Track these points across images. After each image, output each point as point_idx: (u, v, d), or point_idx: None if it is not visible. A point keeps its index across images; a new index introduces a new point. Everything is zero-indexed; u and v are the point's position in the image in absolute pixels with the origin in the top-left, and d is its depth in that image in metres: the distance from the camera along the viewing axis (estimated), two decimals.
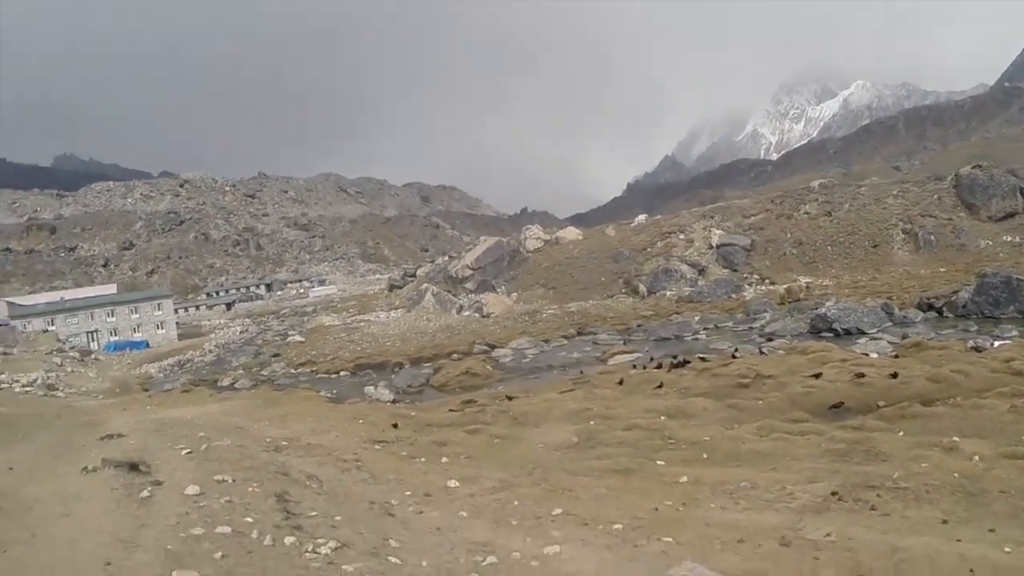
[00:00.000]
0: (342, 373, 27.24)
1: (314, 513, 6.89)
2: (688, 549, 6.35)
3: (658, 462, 10.17)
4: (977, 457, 9.19)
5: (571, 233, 63.34)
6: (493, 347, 30.14)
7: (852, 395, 13.99)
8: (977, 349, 17.16)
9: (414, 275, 60.47)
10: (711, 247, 53.73)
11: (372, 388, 22.46)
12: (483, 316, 44.47)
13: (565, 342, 30.76)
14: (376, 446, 12.49)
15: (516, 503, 7.83)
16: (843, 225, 47.70)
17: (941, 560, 6.06)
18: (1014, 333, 19.41)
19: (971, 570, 5.86)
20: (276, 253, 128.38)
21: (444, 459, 11.01)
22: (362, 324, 46.37)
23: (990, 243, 39.40)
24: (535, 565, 5.82)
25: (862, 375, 14.75)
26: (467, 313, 46.52)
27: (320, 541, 5.88)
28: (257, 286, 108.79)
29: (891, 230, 44.26)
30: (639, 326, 32.71)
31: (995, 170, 42.71)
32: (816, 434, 11.21)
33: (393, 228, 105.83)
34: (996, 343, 17.80)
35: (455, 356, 28.89)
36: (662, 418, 13.30)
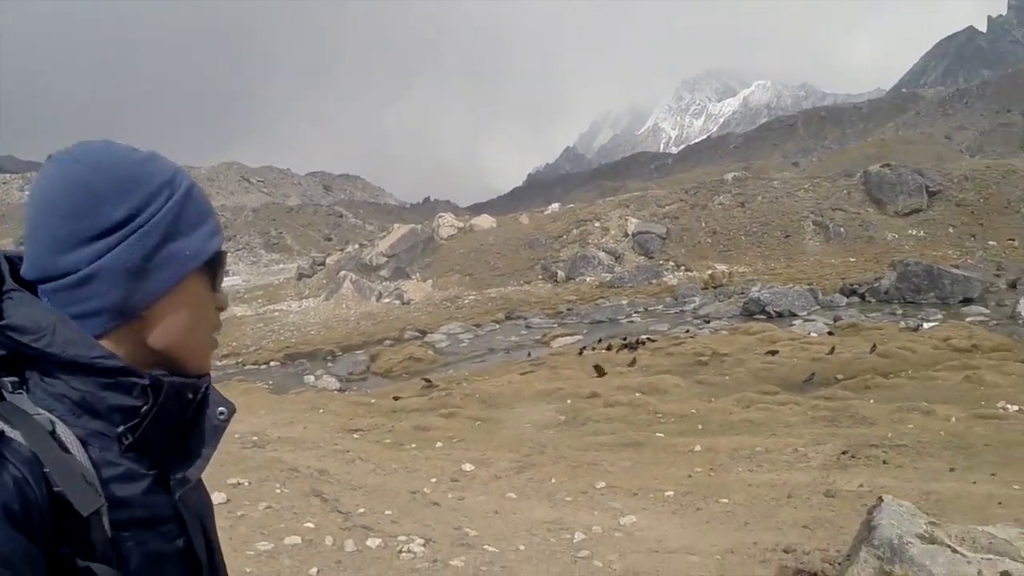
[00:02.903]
0: (272, 363, 26.46)
1: (363, 510, 6.73)
2: (747, 508, 6.64)
3: (657, 434, 10.45)
4: (954, 418, 10.02)
5: (485, 221, 63.39)
6: (424, 333, 29.93)
7: (811, 369, 14.77)
8: (912, 329, 18.38)
9: (323, 264, 59.20)
10: (627, 235, 54.91)
11: (312, 377, 21.91)
12: (404, 303, 44.06)
13: (497, 327, 30.89)
14: (354, 435, 12.23)
15: (553, 480, 7.89)
16: (756, 216, 49.74)
17: (970, 498, 6.70)
18: (939, 316, 20.87)
19: (999, 503, 6.49)
20: None
21: (438, 444, 10.91)
22: (277, 314, 45.07)
23: (896, 236, 42.11)
24: (619, 536, 5.92)
25: (832, 350, 15.61)
26: (387, 300, 45.96)
27: (402, 539, 5.75)
28: None
29: (802, 222, 46.56)
30: (569, 310, 33.20)
31: (903, 169, 45.64)
32: (795, 404, 11.80)
33: (296, 217, 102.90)
34: (926, 324, 19.07)
35: (387, 342, 28.52)
36: (637, 394, 13.62)
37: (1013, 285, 25.73)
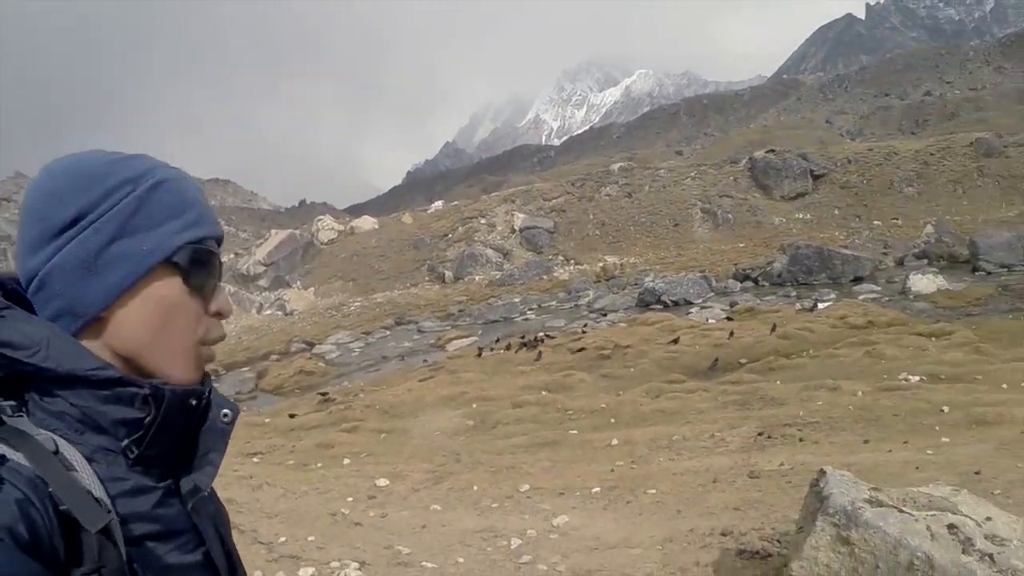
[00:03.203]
0: None
1: (284, 539, 6.50)
2: (676, 496, 6.82)
3: (571, 432, 10.60)
4: (860, 392, 10.69)
5: (366, 222, 62.68)
6: (312, 344, 29.30)
7: (714, 355, 15.35)
8: (808, 310, 19.40)
9: None
10: (514, 231, 55.46)
11: None
12: (287, 314, 42.99)
13: (387, 333, 30.59)
14: (254, 459, 11.77)
15: (475, 487, 7.85)
16: (644, 206, 51.24)
17: (888, 466, 7.20)
18: (833, 296, 22.15)
19: (916, 467, 7.01)
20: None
21: (346, 460, 10.66)
22: None
23: (784, 220, 44.36)
24: (556, 538, 5.95)
25: (731, 334, 16.27)
26: (269, 312, 44.69)
27: (335, 565, 5.58)
28: None
29: (690, 210, 48.28)
30: (461, 311, 33.24)
31: (787, 154, 48.04)
32: (704, 390, 12.25)
33: None
34: (821, 304, 20.18)
35: (273, 357, 27.76)
36: (543, 393, 13.79)
37: (900, 262, 27.67)
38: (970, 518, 3.69)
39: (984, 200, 41.01)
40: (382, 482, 8.80)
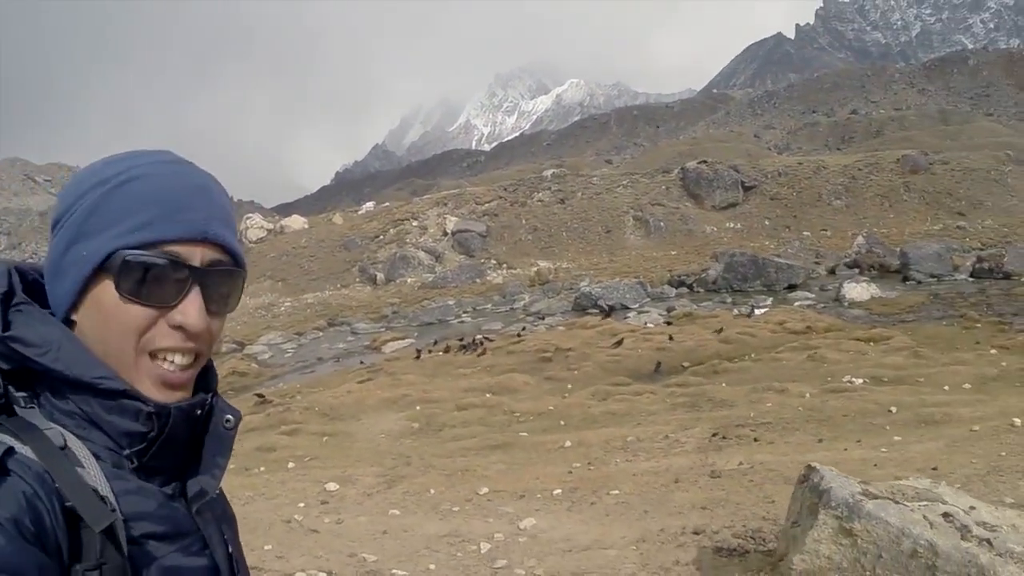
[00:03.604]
0: None
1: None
2: (640, 497, 6.75)
3: (521, 434, 10.45)
4: (808, 394, 10.85)
5: (296, 222, 61.57)
6: (243, 345, 28.45)
7: (657, 358, 15.41)
8: (746, 316, 19.71)
9: None
10: (446, 234, 55.20)
11: None
12: None
13: (320, 334, 29.95)
14: None
15: (432, 491, 7.62)
16: (577, 212, 51.60)
17: (847, 464, 7.26)
18: (768, 302, 22.54)
19: (875, 465, 7.11)
20: None
21: (290, 464, 10.29)
22: None
23: (715, 229, 45.25)
24: (525, 541, 5.79)
25: (671, 338, 16.41)
26: None
27: (301, 575, 5.34)
28: None
29: (623, 217, 48.83)
30: (394, 313, 32.84)
31: (719, 165, 49.05)
32: (651, 393, 12.26)
33: None
34: (758, 311, 20.52)
35: None
36: (488, 395, 13.59)
37: (832, 271, 28.45)
38: (958, 507, 3.70)
39: (910, 214, 42.64)
40: (332, 487, 8.49)
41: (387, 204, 70.09)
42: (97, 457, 0.94)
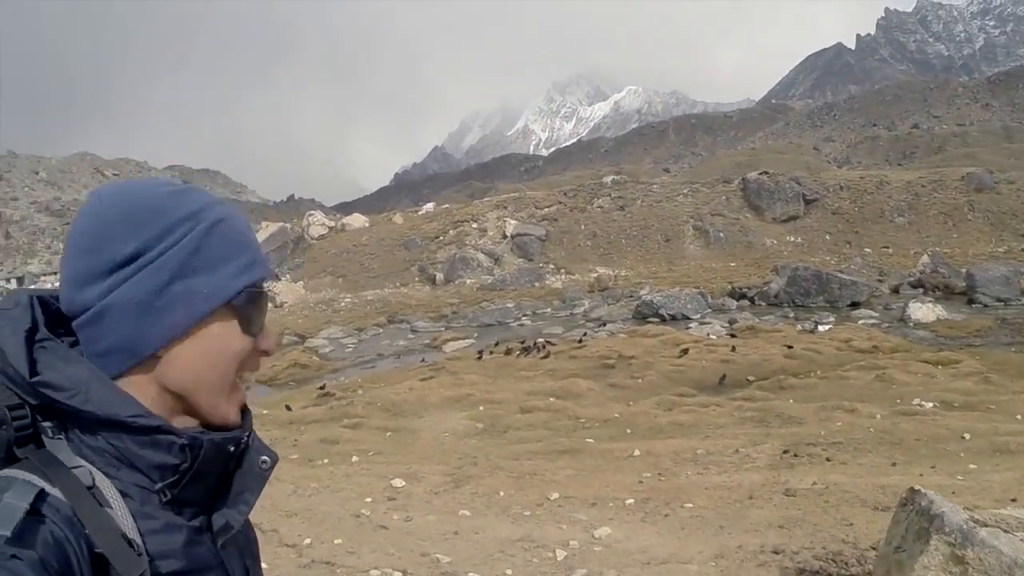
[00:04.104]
0: None
1: (309, 540, 6.25)
2: (715, 512, 6.62)
3: (588, 440, 10.37)
4: (878, 416, 10.55)
5: (357, 220, 62.31)
6: (304, 337, 28.92)
7: (721, 371, 15.19)
8: (809, 332, 19.32)
9: None
10: (505, 236, 55.28)
11: None
12: (276, 305, 42.50)
13: (380, 330, 30.28)
14: None
15: (501, 493, 7.60)
16: (636, 220, 51.21)
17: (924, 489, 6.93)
18: (831, 319, 22.05)
19: (952, 492, 6.86)
20: (27, 242, 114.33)
21: (354, 458, 10.38)
22: None
23: (775, 242, 44.45)
24: (601, 550, 5.71)
25: (733, 349, 16.16)
26: None
27: (375, 574, 5.34)
28: (7, 280, 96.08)
29: (682, 226, 48.29)
30: (454, 313, 32.99)
31: (780, 177, 48.20)
32: (717, 405, 12.07)
33: None
34: (821, 327, 20.10)
35: None
36: (551, 399, 13.56)
37: (896, 290, 27.69)
38: None
39: (974, 234, 41.30)
40: (398, 483, 8.53)
41: (447, 206, 70.53)
42: (125, 495, 0.96)
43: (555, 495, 7.31)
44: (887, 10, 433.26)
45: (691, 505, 6.81)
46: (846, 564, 5.25)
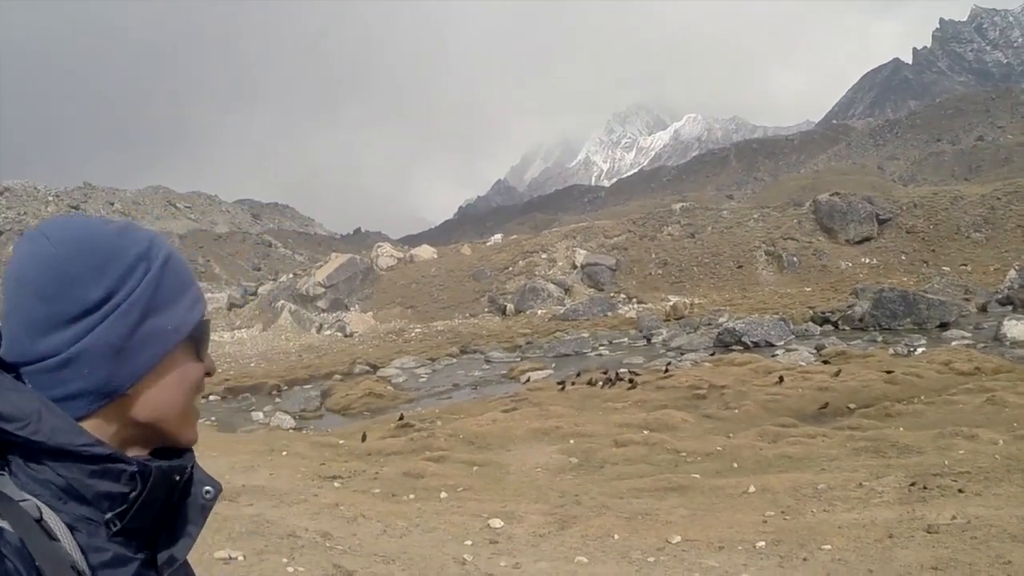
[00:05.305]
0: (211, 397, 24.97)
1: None
2: (857, 553, 6.01)
3: (693, 475, 9.77)
4: (1001, 442, 9.73)
5: (426, 251, 62.69)
6: (376, 367, 28.85)
7: (820, 399, 14.38)
8: (904, 355, 18.31)
9: (255, 294, 57.43)
10: (575, 266, 54.82)
11: (261, 414, 20.64)
12: (346, 335, 42.81)
13: (454, 360, 30.05)
14: (335, 483, 11.13)
15: (616, 536, 7.07)
16: (707, 246, 50.25)
17: None
18: (923, 342, 20.92)
19: None
20: None
21: (442, 494, 9.97)
22: (211, 345, 43.43)
23: (850, 265, 43.00)
24: None
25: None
26: (328, 332, 44.61)
27: None
28: None
29: (754, 252, 47.15)
30: (528, 343, 32.56)
31: (852, 197, 46.77)
32: (824, 436, 11.32)
33: (224, 245, 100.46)
34: (916, 350, 19.04)
35: (336, 377, 27.34)
36: (645, 432, 12.96)
37: (984, 308, 26.29)
38: None
39: None
40: (496, 523, 8.06)
41: (515, 236, 70.51)
42: (72, 528, 0.95)
43: (677, 538, 6.76)
44: (942, 21, 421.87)
45: (829, 547, 6.19)
46: None
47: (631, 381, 17.95)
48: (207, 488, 1.12)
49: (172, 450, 1.10)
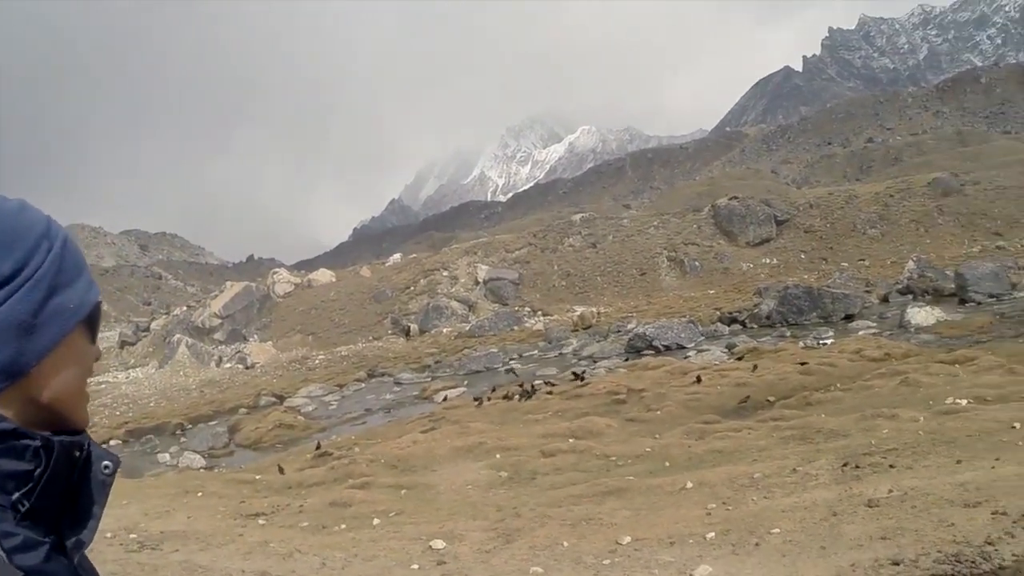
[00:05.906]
0: (111, 441, 23.79)
1: None
2: (807, 534, 6.17)
3: (628, 477, 9.86)
4: (921, 418, 10.25)
5: (324, 275, 61.59)
6: (283, 398, 28.14)
7: (740, 394, 14.82)
8: (814, 347, 19.10)
9: (147, 329, 55.14)
10: (477, 282, 54.91)
11: (167, 455, 19.78)
12: (248, 367, 41.56)
13: (362, 385, 29.63)
14: (259, 521, 10.68)
15: (565, 544, 7.03)
16: (609, 255, 51.21)
17: (1002, 482, 6.70)
18: (831, 333, 21.90)
19: None
20: None
21: (375, 521, 9.72)
22: (104, 386, 41.30)
23: (751, 266, 44.72)
24: None
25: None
26: (229, 364, 43.24)
27: None
28: None
29: (656, 258, 48.38)
30: (437, 363, 32.38)
31: (750, 200, 48.73)
32: (750, 429, 11.67)
33: (112, 280, 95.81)
34: (823, 342, 19.89)
35: (242, 411, 26.50)
36: (571, 440, 13.02)
37: (886, 299, 27.77)
38: None
39: (946, 238, 41.99)
40: (438, 544, 7.88)
41: (414, 255, 70.09)
42: None
43: (626, 539, 6.77)
44: (831, 29, 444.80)
45: (777, 531, 6.34)
46: (973, 563, 4.95)
47: (528, 395, 18.17)
48: (105, 463, 1.11)
49: (65, 434, 1.08)
